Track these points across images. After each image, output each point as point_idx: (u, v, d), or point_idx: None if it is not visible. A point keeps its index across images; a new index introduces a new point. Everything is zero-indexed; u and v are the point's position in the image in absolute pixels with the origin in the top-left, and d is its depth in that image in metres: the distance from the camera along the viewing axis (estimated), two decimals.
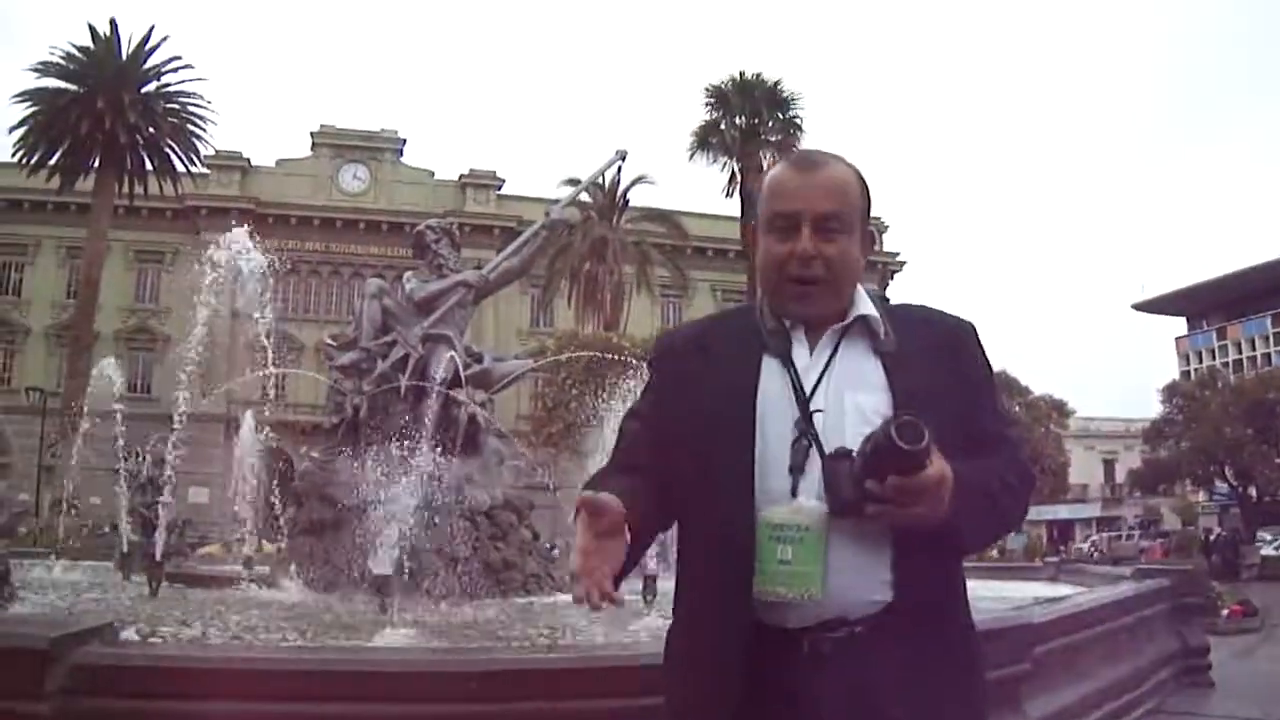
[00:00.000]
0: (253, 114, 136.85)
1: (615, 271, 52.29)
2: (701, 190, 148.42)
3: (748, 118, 51.24)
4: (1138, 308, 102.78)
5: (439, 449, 16.13)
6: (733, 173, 51.68)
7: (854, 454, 2.19)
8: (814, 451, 2.28)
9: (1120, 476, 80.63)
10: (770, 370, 2.39)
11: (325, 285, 62.16)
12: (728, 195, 52.28)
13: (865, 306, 2.44)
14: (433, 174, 66.07)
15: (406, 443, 15.46)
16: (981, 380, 2.49)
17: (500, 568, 15.26)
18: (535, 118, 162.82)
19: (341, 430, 16.71)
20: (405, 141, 66.19)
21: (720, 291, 65.88)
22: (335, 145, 64.39)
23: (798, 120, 51.56)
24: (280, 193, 61.23)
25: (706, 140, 51.76)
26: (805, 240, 2.38)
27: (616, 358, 32.33)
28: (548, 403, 46.36)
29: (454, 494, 15.36)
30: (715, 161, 52.03)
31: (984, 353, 2.52)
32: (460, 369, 16.96)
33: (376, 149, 65.06)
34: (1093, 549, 62.13)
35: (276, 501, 18.86)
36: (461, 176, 65.55)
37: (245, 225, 20.71)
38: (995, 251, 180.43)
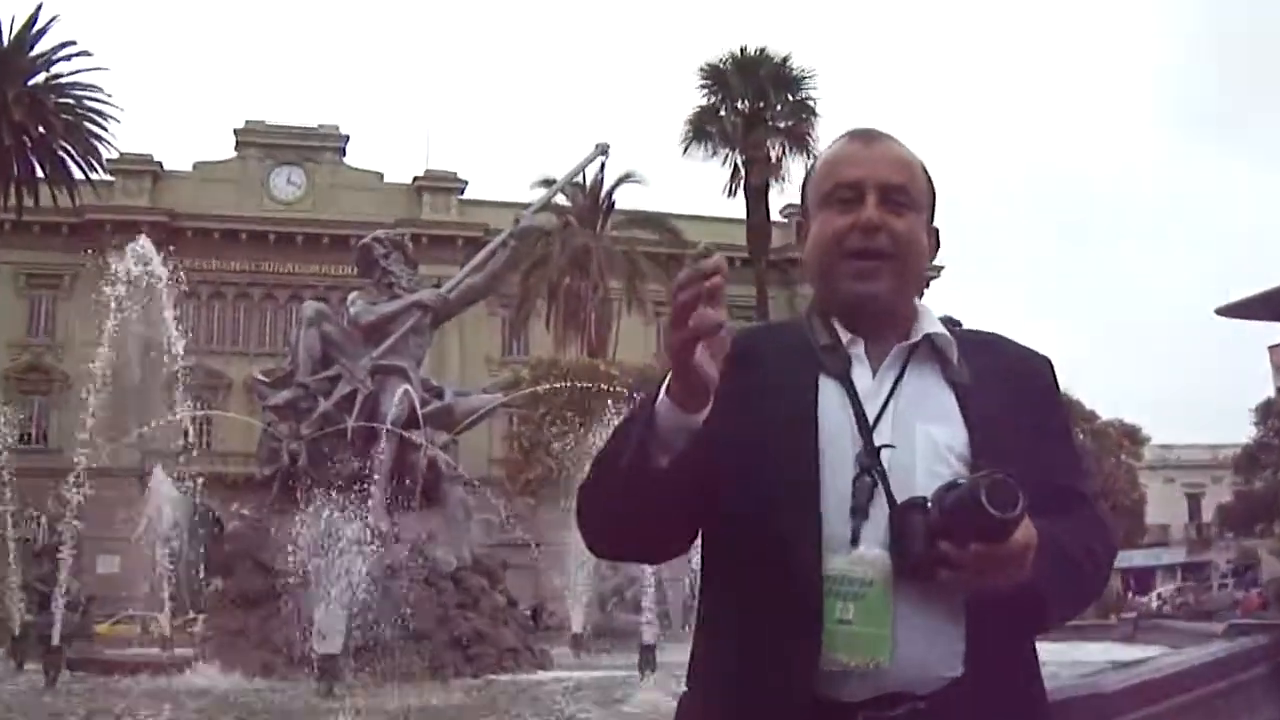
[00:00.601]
0: (165, 110, 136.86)
1: (600, 287, 52.25)
2: (699, 189, 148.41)
3: (751, 101, 51.45)
4: (1222, 312, 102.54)
5: (394, 502, 16.12)
6: (735, 167, 51.83)
7: (928, 503, 2.16)
8: (878, 492, 2.25)
9: (1208, 514, 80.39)
10: (828, 393, 2.36)
11: (256, 311, 61.91)
12: (730, 194, 52.44)
13: (933, 324, 2.45)
14: (381, 176, 65.85)
15: (354, 495, 15.43)
16: (1061, 426, 2.54)
17: (470, 641, 15.21)
18: (503, 109, 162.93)
19: (277, 483, 16.67)
20: (348, 139, 65.98)
21: (726, 309, 65.78)
22: (264, 145, 64.17)
23: (810, 102, 51.80)
24: (200, 202, 60.93)
25: (703, 129, 51.92)
26: (870, 208, 2.39)
27: (604, 388, 32.28)
28: (524, 444, 46.20)
29: (413, 555, 15.32)
30: (714, 154, 52.20)
31: (1062, 397, 2.56)
32: (417, 406, 16.94)
33: (314, 148, 64.82)
34: (1174, 600, 62.01)
35: (201, 570, 18.76)
36: (416, 179, 65.35)
37: (157, 240, 20.70)
38: (1048, 253, 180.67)
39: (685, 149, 52.41)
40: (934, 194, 2.51)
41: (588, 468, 2.42)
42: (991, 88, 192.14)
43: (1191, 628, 19.04)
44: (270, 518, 16.33)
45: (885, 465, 2.25)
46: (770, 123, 51.84)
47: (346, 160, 66.05)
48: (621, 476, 2.23)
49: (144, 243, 19.65)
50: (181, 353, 20.73)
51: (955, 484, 2.12)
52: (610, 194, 56.22)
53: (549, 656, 17.83)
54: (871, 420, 2.30)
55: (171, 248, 49.16)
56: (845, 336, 2.40)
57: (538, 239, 49.86)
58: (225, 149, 66.01)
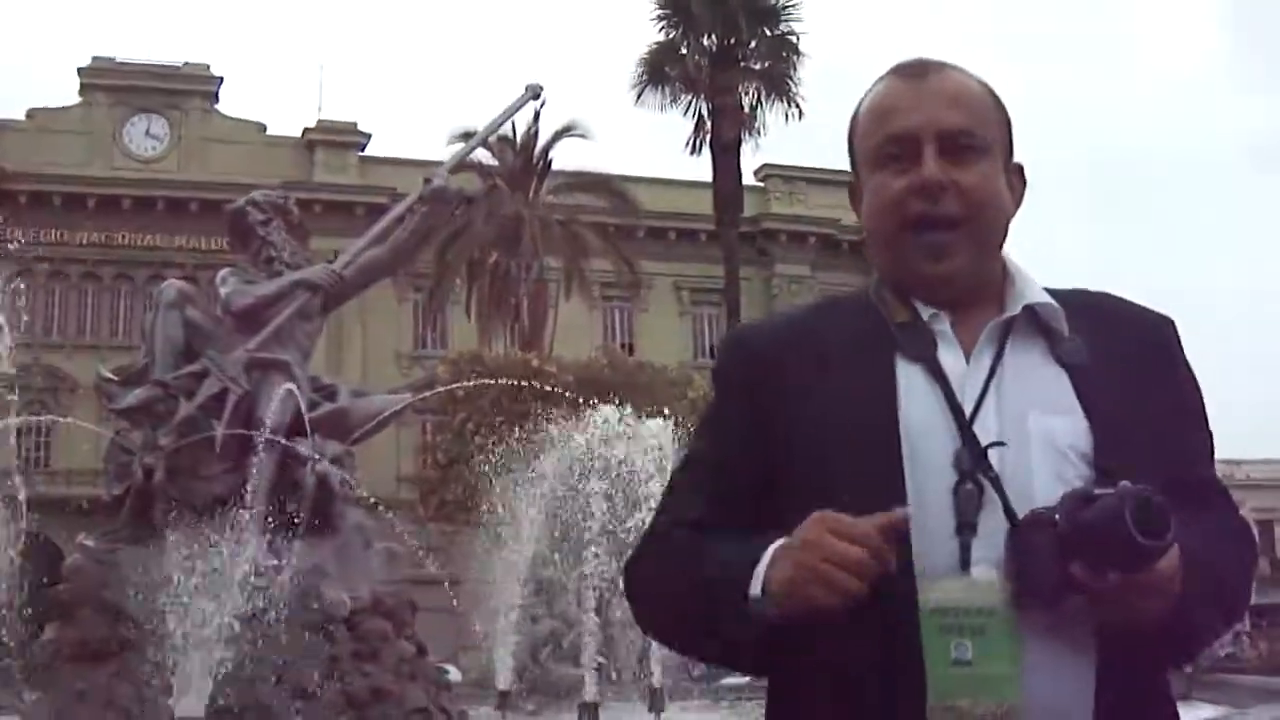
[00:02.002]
0: None
1: (534, 265, 52.23)
2: (656, 145, 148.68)
3: (720, 36, 51.50)
4: None
5: (274, 528, 15.96)
6: (700, 117, 51.89)
7: (1056, 516, 2.16)
8: (988, 500, 2.27)
9: None
10: (910, 379, 2.38)
11: (107, 294, 61.67)
12: (694, 151, 52.46)
13: (1034, 290, 2.45)
14: (264, 128, 65.79)
15: (224, 520, 15.26)
16: (1192, 403, 2.54)
17: (368, 700, 15.10)
18: (413, 46, 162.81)
19: (128, 504, 16.49)
20: (222, 82, 65.98)
21: (688, 291, 65.97)
22: (116, 88, 63.89)
23: (792, 38, 51.88)
24: (36, 159, 60.51)
25: (661, 70, 51.95)
26: (930, 164, 2.38)
27: (541, 387, 32.23)
28: (440, 458, 46.12)
29: (297, 593, 15.18)
30: (674, 101, 52.25)
31: (1190, 366, 2.57)
32: (303, 409, 16.80)
33: (179, 93, 64.68)
34: (1247, 649, 62.47)
35: (31, 615, 18.54)
36: (307, 131, 65.37)
37: None
38: (1089, 229, 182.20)
39: (639, 95, 52.46)
40: (1009, 124, 2.53)
41: (634, 570, 2.52)
42: (1015, 30, 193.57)
43: (1261, 684, 19.14)
44: (119, 549, 16.10)
45: (996, 469, 2.27)
46: (743, 63, 51.95)
47: (220, 108, 66.11)
48: (705, 642, 2.41)
49: None
50: (12, 346, 20.49)
51: (1089, 495, 2.12)
52: (547, 151, 56.32)
53: (468, 718, 17.74)
54: (969, 412, 2.32)
55: (1, 215, 49.06)
56: (926, 311, 2.43)
57: (457, 205, 49.63)
58: (68, 93, 65.66)
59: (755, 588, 2.21)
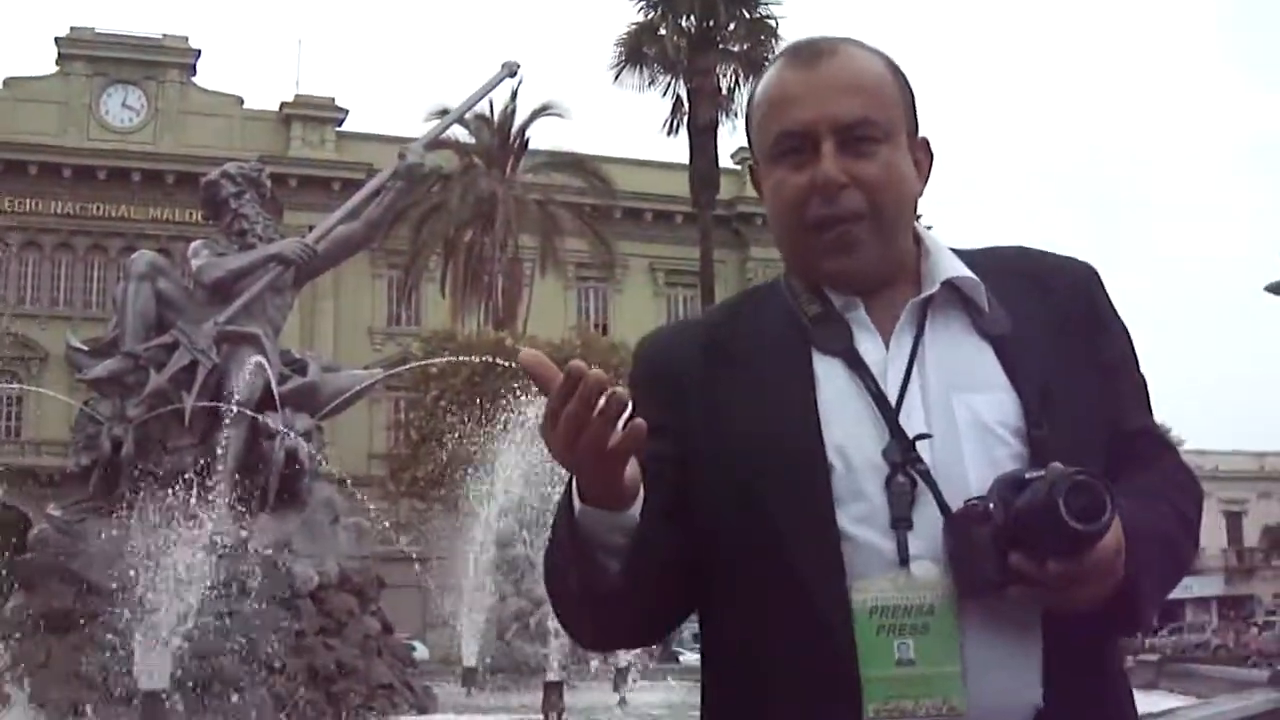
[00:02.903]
0: None
1: (509, 243, 52.17)
2: (633, 126, 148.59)
3: (698, 18, 51.40)
4: (1273, 289, 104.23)
5: (242, 501, 15.93)
6: (677, 99, 51.83)
7: (990, 506, 2.09)
8: (921, 493, 2.18)
9: (1252, 537, 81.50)
10: (830, 373, 2.29)
11: (81, 264, 61.48)
12: (672, 132, 52.41)
13: (951, 264, 2.37)
14: (241, 101, 65.70)
15: (192, 492, 15.22)
16: (1120, 352, 2.45)
17: (333, 675, 15.09)
18: (391, 22, 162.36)
19: (96, 475, 16.44)
20: (200, 54, 65.82)
21: (663, 272, 66.06)
22: (94, 59, 63.72)
23: (770, 21, 51.82)
24: (11, 128, 60.38)
25: (639, 51, 51.86)
26: (828, 161, 2.28)
27: (512, 366, 32.15)
28: (412, 434, 46.08)
29: (264, 567, 15.15)
30: (652, 82, 52.16)
31: (1116, 309, 2.48)
32: (273, 382, 16.75)
33: (156, 65, 64.52)
34: (1207, 640, 62.76)
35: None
36: (284, 106, 65.30)
37: None
38: (1055, 212, 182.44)
39: (617, 76, 52.31)
40: (912, 99, 2.40)
41: (544, 574, 2.33)
42: (1005, 24, 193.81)
43: (1228, 674, 19.14)
44: (85, 520, 16.06)
45: (926, 459, 2.19)
46: (721, 45, 51.87)
47: (197, 80, 65.96)
48: (580, 599, 2.22)
49: None
50: None
51: (1021, 479, 2.06)
52: (524, 130, 56.23)
53: (433, 696, 17.73)
54: (894, 401, 2.24)
55: None
56: (839, 299, 2.34)
57: (433, 182, 49.71)
58: (44, 63, 65.41)
59: (576, 501, 2.15)
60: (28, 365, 55.66)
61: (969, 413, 2.22)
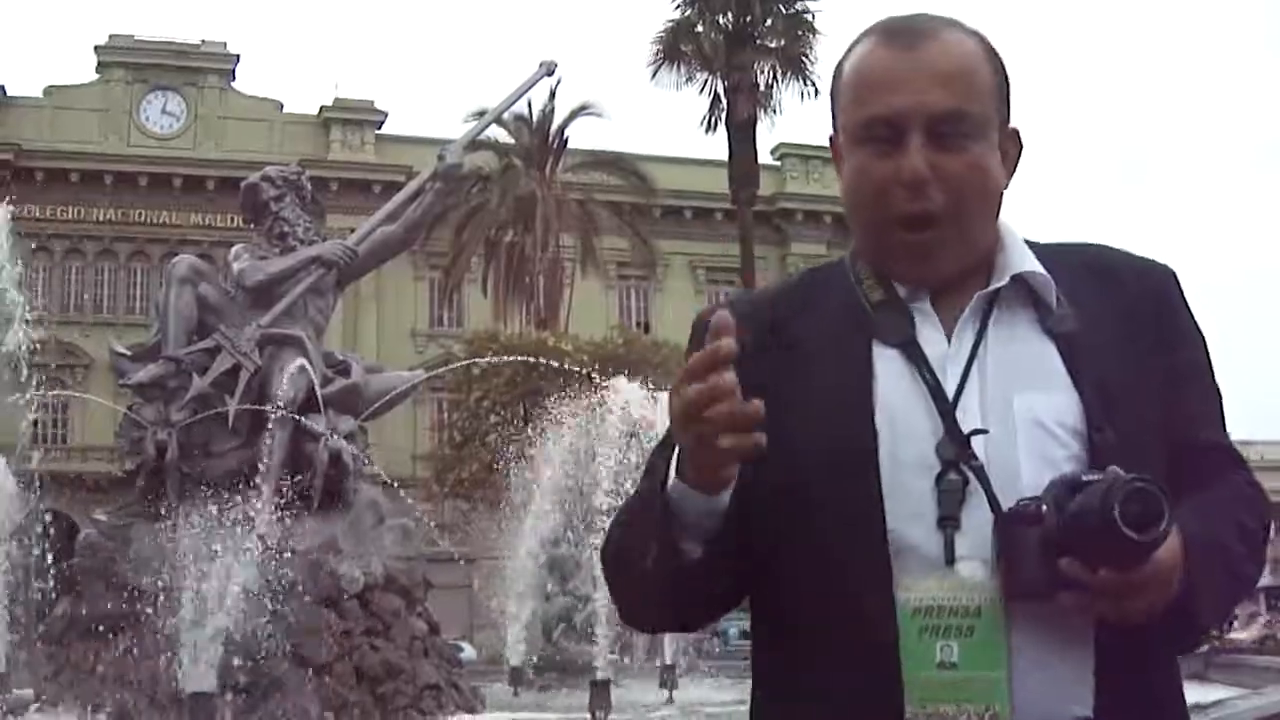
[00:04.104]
0: (9, 21, 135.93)
1: (550, 244, 52.15)
2: (672, 123, 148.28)
3: (735, 15, 51.32)
4: None
5: (287, 504, 15.95)
6: (715, 96, 51.75)
7: (1042, 506, 2.03)
8: (972, 492, 2.13)
9: None
10: (888, 365, 2.23)
11: (124, 271, 61.70)
12: (709, 129, 52.34)
13: (1023, 257, 2.30)
14: (280, 106, 65.74)
15: (237, 495, 15.26)
16: (1196, 361, 2.37)
17: (380, 676, 15.10)
18: (429, 25, 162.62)
19: (140, 480, 16.50)
20: (239, 59, 65.88)
21: (704, 269, 65.88)
22: (134, 65, 63.85)
23: (808, 17, 51.70)
24: (53, 136, 60.64)
25: (677, 49, 51.81)
26: (914, 154, 2.20)
27: (555, 365, 32.19)
28: (456, 435, 46.12)
29: (310, 569, 15.18)
30: (690, 80, 52.11)
31: (1193, 315, 2.39)
32: (316, 385, 16.78)
33: (196, 70, 64.59)
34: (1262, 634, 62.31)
35: (46, 590, 18.56)
36: (323, 109, 65.32)
37: None
38: (1096, 189, 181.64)
39: (654, 74, 52.27)
40: (1005, 85, 2.33)
41: (602, 550, 2.33)
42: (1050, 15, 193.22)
43: (1277, 664, 19.02)
44: (131, 524, 16.12)
45: (980, 456, 2.14)
46: (758, 41, 51.79)
47: (236, 85, 66.03)
48: (651, 578, 2.16)
49: None
50: (29, 323, 20.50)
51: (1078, 481, 2.00)
52: (563, 130, 56.16)
53: (480, 696, 17.73)
54: (951, 396, 2.18)
55: (17, 192, 49.12)
56: (904, 289, 2.28)
57: (473, 183, 49.75)
58: (85, 70, 65.59)
59: (671, 478, 2.10)
60: (72, 372, 55.84)
61: (1028, 411, 2.16)
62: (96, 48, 64.04)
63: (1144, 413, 2.18)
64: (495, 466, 34.33)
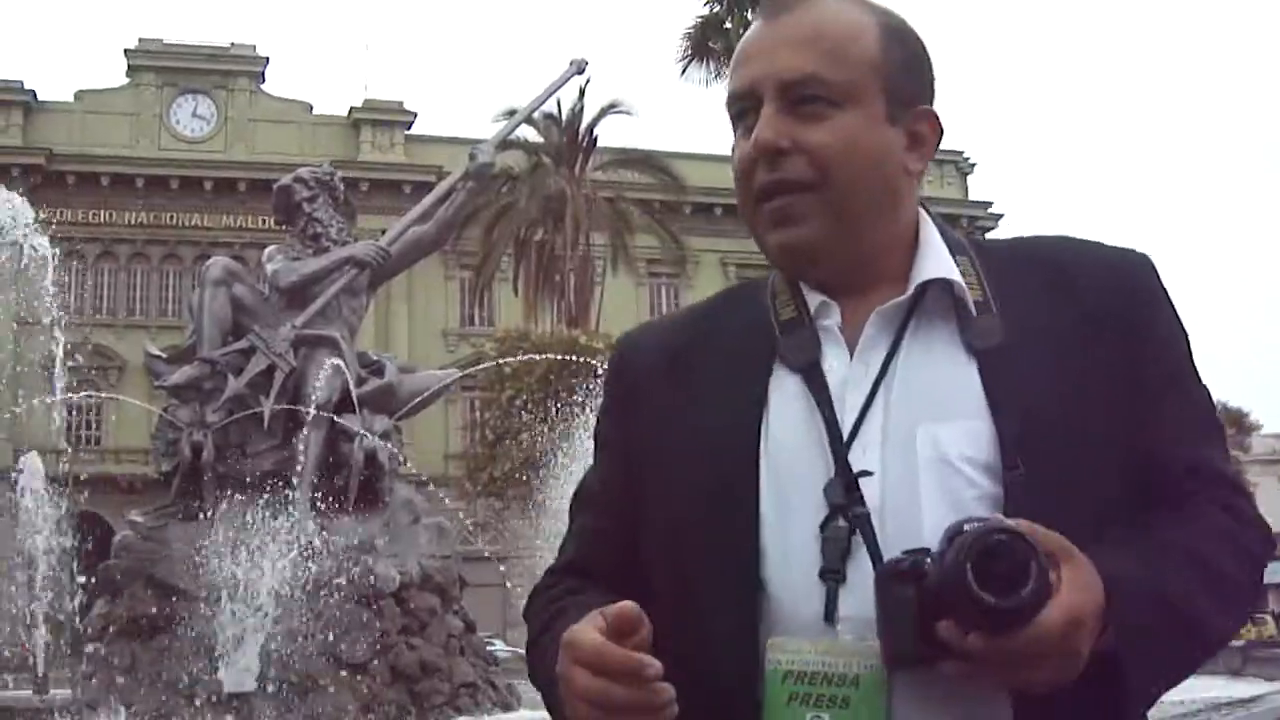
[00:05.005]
0: (40, 26, 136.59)
1: (580, 242, 52.17)
2: (701, 120, 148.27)
3: None
4: None
5: (322, 503, 16.01)
6: None
7: (926, 560, 1.77)
8: (859, 542, 1.89)
9: None
10: (785, 393, 2.01)
11: (156, 274, 61.85)
12: None
13: (938, 261, 2.04)
14: (310, 108, 65.84)
15: (273, 495, 15.32)
16: (1170, 367, 2.03)
17: (416, 674, 15.14)
18: (458, 25, 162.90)
19: (177, 481, 16.56)
20: (268, 62, 65.98)
21: (734, 266, 65.75)
22: (164, 69, 64.01)
23: None
24: (84, 140, 60.83)
25: (705, 44, 51.78)
26: (765, 123, 2.01)
27: (586, 362, 32.19)
28: (488, 434, 46.12)
29: (346, 568, 15.22)
30: (719, 76, 52.01)
31: (1172, 311, 2.06)
32: (351, 385, 16.82)
33: (226, 73, 64.74)
34: None
35: (82, 591, 18.66)
36: (353, 111, 65.39)
37: (31, 186, 20.51)
38: (1133, 194, 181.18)
39: (684, 70, 52.26)
40: (907, 61, 2.08)
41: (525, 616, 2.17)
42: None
43: None
44: (168, 525, 16.19)
45: (872, 499, 1.90)
46: None
47: (266, 88, 66.10)
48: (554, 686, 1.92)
49: (13, 190, 19.42)
50: (62, 326, 20.56)
51: (958, 528, 1.74)
52: (592, 128, 56.08)
53: (517, 693, 17.74)
54: (848, 428, 1.94)
55: (47, 196, 49.30)
56: (814, 302, 2.05)
57: (503, 183, 49.80)
58: (115, 74, 65.87)
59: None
60: (106, 375, 56.03)
61: (931, 445, 1.89)
62: (126, 51, 64.21)
63: (1086, 437, 1.89)
64: (528, 464, 34.42)
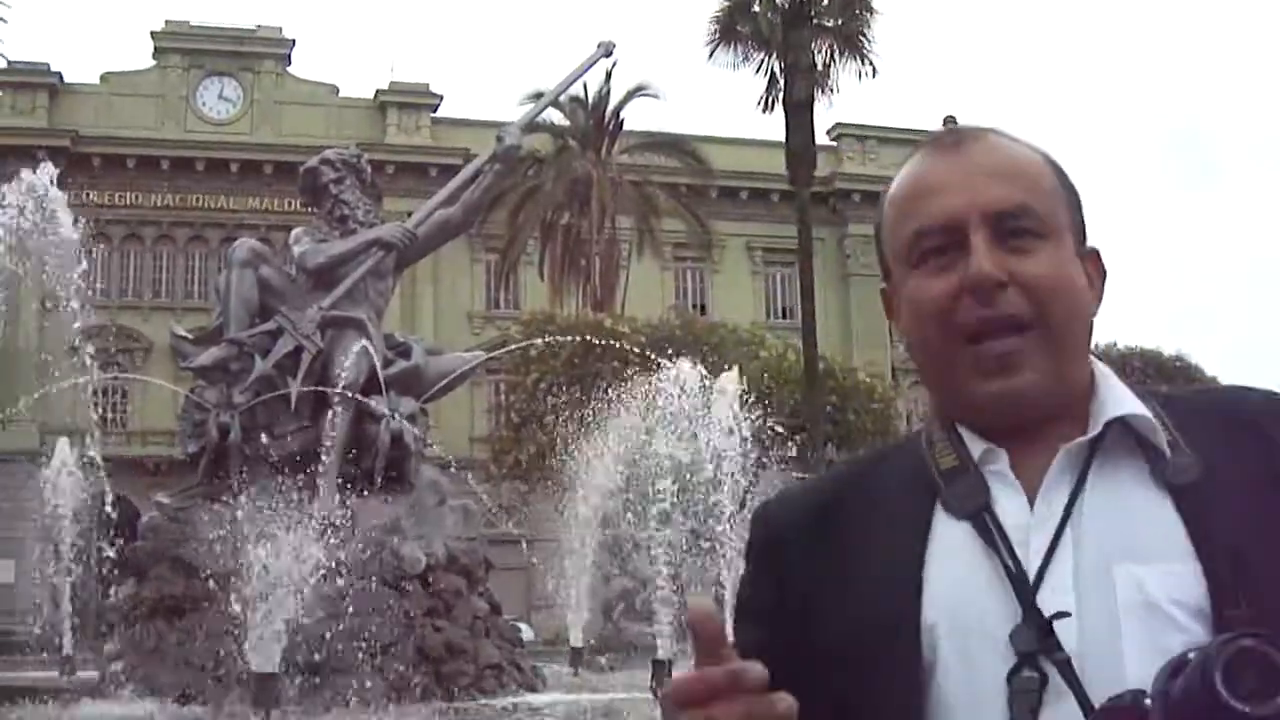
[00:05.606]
0: (66, 7, 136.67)
1: (606, 225, 52.17)
2: (728, 104, 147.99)
3: None
4: None
5: (349, 485, 16.03)
6: (772, 75, 51.37)
7: (1144, 699, 1.61)
8: (1054, 692, 1.72)
9: None
10: (952, 544, 1.85)
11: (182, 256, 61.99)
12: (766, 109, 51.99)
13: (1121, 398, 1.91)
14: (336, 90, 65.90)
15: (299, 477, 15.34)
16: None
17: (442, 656, 15.15)
18: (485, 6, 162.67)
19: (204, 462, 16.58)
20: (294, 44, 66.01)
21: (761, 251, 65.72)
22: (190, 51, 64.15)
23: None
24: (110, 122, 61.00)
25: (733, 28, 51.52)
26: (980, 255, 1.86)
27: (614, 345, 32.21)
28: (514, 417, 46.16)
29: (372, 550, 15.23)
30: (746, 60, 51.72)
31: None
32: (378, 367, 16.83)
33: (252, 56, 64.83)
34: None
35: (109, 573, 18.71)
36: (379, 93, 65.43)
37: (57, 169, 20.56)
38: (1158, 173, 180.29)
39: (711, 54, 51.95)
40: (1078, 201, 1.99)
41: None
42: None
43: None
44: (195, 506, 16.22)
45: (1068, 644, 1.73)
46: (816, 21, 51.41)
47: (292, 70, 66.19)
48: None
49: (40, 172, 19.47)
50: (89, 308, 20.59)
51: (1182, 660, 1.59)
52: (618, 111, 56.15)
53: (541, 675, 17.79)
54: (1034, 572, 1.78)
55: (74, 178, 49.47)
56: (978, 449, 1.90)
57: (529, 165, 49.81)
58: (141, 57, 65.93)
59: None
60: (132, 356, 56.18)
61: (1134, 587, 1.74)
62: (153, 34, 64.30)
63: None
64: (553, 448, 34.42)
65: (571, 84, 23.52)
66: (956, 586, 1.79)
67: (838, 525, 1.93)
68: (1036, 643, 1.71)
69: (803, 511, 2.00)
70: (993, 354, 1.83)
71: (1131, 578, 1.73)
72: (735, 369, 21.53)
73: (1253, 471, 1.79)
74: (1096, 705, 1.64)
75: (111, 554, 18.44)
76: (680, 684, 1.60)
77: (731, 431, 19.62)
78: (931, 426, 1.97)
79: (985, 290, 1.83)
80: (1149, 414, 1.84)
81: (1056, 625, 1.71)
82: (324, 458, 15.88)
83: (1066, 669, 1.69)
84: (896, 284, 1.97)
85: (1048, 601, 1.73)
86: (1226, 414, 1.89)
